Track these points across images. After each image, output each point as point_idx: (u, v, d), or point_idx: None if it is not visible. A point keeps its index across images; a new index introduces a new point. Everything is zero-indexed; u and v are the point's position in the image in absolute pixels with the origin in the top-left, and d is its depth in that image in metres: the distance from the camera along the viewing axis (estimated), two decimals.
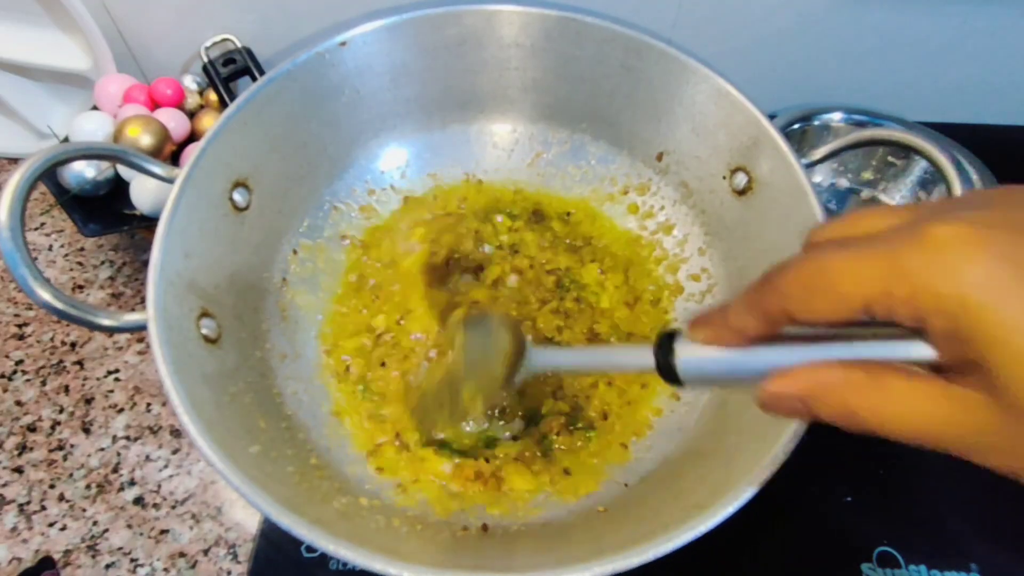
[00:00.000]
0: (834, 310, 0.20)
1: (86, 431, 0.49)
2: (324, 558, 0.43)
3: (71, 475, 0.47)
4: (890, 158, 0.61)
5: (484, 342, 0.37)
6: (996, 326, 0.17)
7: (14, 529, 0.45)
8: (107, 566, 0.43)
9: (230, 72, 0.56)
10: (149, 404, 0.50)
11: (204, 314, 0.39)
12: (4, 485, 0.46)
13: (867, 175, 0.62)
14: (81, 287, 0.56)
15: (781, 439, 0.32)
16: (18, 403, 0.50)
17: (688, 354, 0.25)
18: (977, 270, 0.17)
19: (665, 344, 0.26)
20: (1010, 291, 0.17)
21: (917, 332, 0.19)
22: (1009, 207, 0.19)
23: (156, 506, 0.46)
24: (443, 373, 0.40)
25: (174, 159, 0.53)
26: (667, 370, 0.26)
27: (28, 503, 0.46)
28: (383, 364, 0.46)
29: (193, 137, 0.55)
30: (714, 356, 0.24)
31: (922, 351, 0.20)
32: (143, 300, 0.48)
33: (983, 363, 0.18)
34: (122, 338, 0.53)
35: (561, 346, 0.45)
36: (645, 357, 0.27)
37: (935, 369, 0.20)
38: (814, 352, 0.21)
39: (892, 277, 0.18)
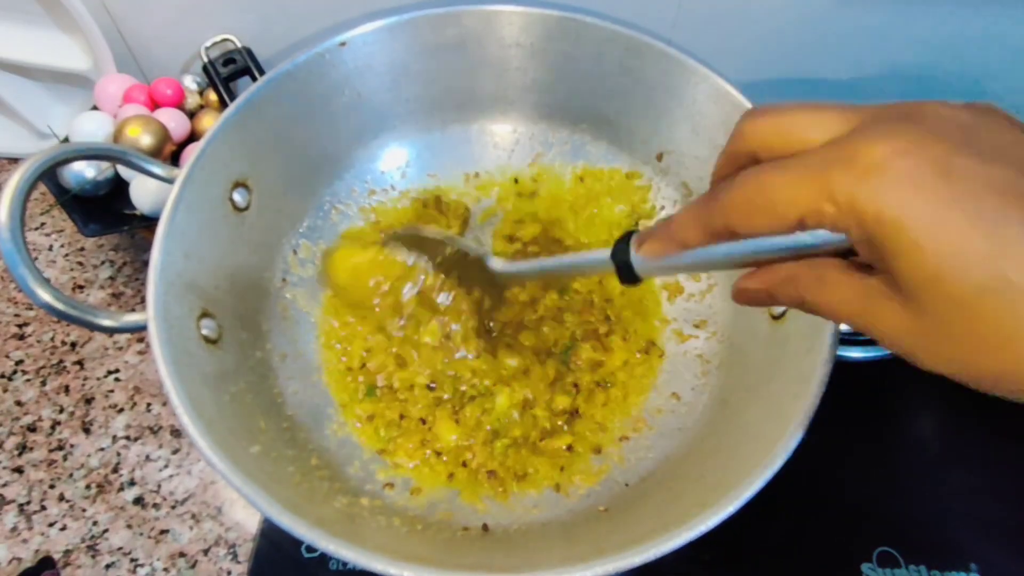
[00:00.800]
0: (772, 225, 0.22)
1: (86, 431, 0.49)
2: (324, 558, 0.43)
3: (71, 475, 0.47)
4: None
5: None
6: (902, 238, 0.19)
7: (14, 529, 0.45)
8: (107, 566, 0.43)
9: (230, 72, 0.56)
10: (149, 404, 0.50)
11: (204, 314, 0.39)
12: (4, 485, 0.46)
13: None
14: (81, 287, 0.56)
15: (781, 439, 0.32)
16: (18, 403, 0.50)
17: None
18: (896, 188, 0.19)
19: (622, 246, 0.29)
20: (921, 207, 0.19)
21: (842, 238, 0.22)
22: (938, 122, 0.21)
23: (156, 506, 0.46)
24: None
25: (174, 159, 0.53)
26: (625, 269, 0.29)
27: (28, 503, 0.46)
28: (384, 363, 0.46)
29: (193, 137, 0.55)
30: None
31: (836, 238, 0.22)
32: (143, 300, 0.48)
33: (892, 272, 0.20)
34: (122, 338, 0.53)
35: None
36: (603, 256, 0.30)
37: (868, 267, 0.22)
38: (753, 245, 0.24)
39: (823, 196, 0.20)
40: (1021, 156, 0.20)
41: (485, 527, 0.39)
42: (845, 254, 0.23)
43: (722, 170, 0.26)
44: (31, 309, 0.55)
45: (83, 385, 0.51)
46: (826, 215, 0.21)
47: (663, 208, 0.52)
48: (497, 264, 0.40)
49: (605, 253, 0.30)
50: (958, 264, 0.19)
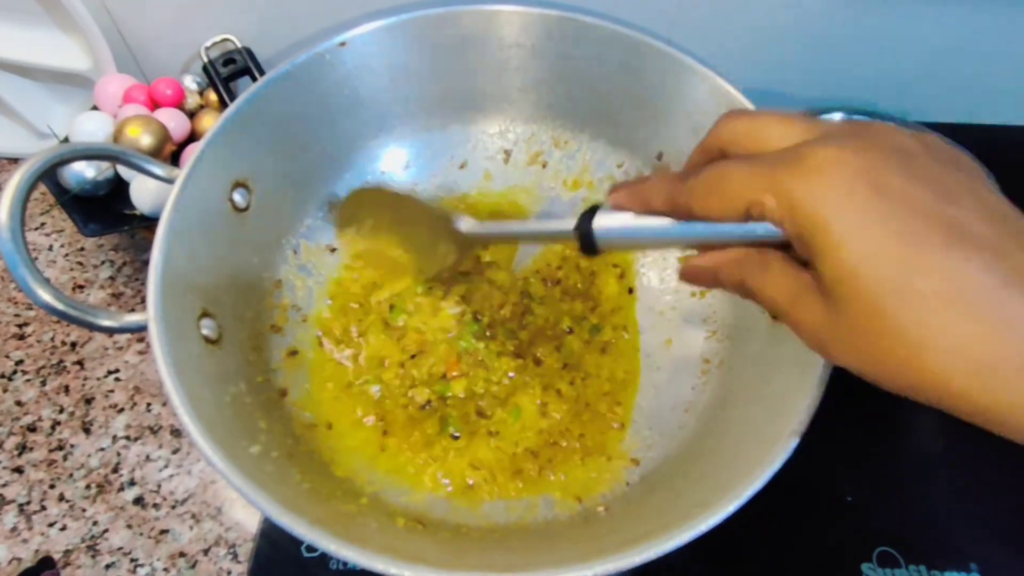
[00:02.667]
0: (723, 209, 0.24)
1: (86, 431, 0.49)
2: (324, 558, 0.43)
3: (71, 475, 0.47)
4: None
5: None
6: (827, 236, 0.21)
7: (14, 529, 0.45)
8: (107, 566, 0.43)
9: (230, 72, 0.56)
10: (149, 404, 0.50)
11: (204, 314, 0.39)
12: (4, 485, 0.46)
13: None
14: (81, 287, 0.56)
15: (781, 438, 0.32)
16: (18, 403, 0.50)
17: (605, 223, 0.30)
18: (830, 191, 0.21)
19: (587, 215, 0.30)
20: (849, 211, 0.21)
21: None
22: (884, 142, 0.23)
23: (156, 506, 0.46)
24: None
25: (174, 159, 0.53)
26: (586, 236, 0.30)
27: (28, 503, 0.46)
28: (384, 362, 0.46)
29: (193, 137, 0.55)
30: (626, 225, 0.29)
31: (771, 230, 0.24)
32: (143, 300, 0.48)
33: (816, 268, 0.22)
34: (122, 338, 0.53)
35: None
36: (567, 226, 0.31)
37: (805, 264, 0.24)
38: (708, 227, 0.26)
39: (768, 189, 0.23)
40: (947, 185, 0.22)
41: (485, 527, 0.39)
42: (789, 250, 0.24)
43: (694, 159, 0.29)
44: (31, 309, 0.55)
45: (83, 385, 0.51)
46: (767, 207, 0.23)
47: None
48: (465, 224, 0.40)
49: (569, 223, 0.31)
50: (871, 266, 0.21)
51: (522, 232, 0.40)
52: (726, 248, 0.26)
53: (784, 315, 0.25)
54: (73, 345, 0.53)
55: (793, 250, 0.24)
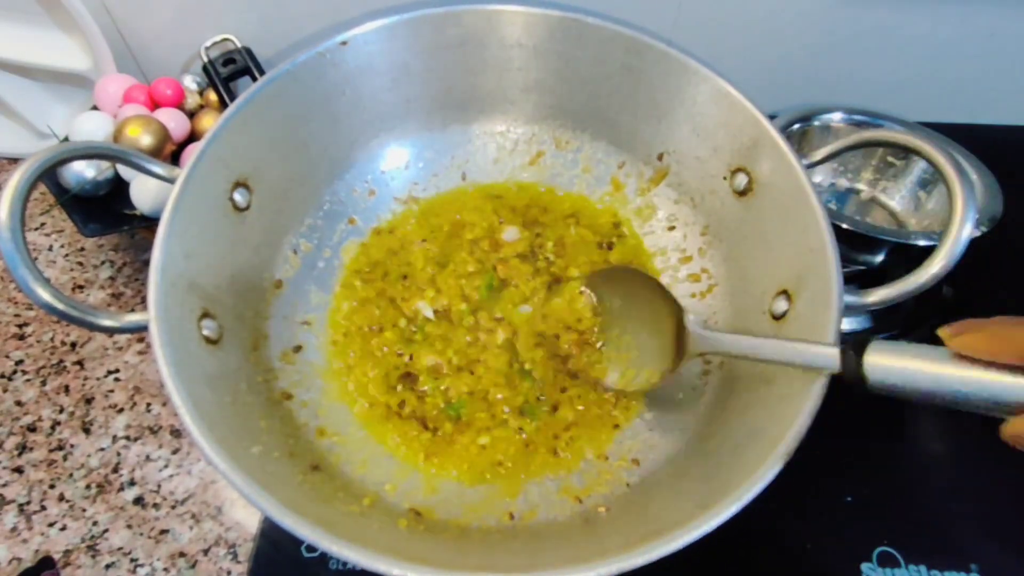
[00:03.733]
0: None
1: (86, 431, 0.49)
2: (324, 558, 0.43)
3: (71, 475, 0.47)
4: (890, 158, 0.61)
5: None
6: None
7: (14, 529, 0.45)
8: (107, 566, 0.43)
9: (230, 72, 0.56)
10: (149, 404, 0.50)
11: (205, 315, 0.39)
12: (4, 485, 0.46)
13: (867, 175, 0.63)
14: (81, 287, 0.56)
15: (782, 439, 0.32)
16: (18, 403, 0.50)
17: (883, 363, 0.25)
18: None
19: (855, 348, 0.26)
20: None
21: None
22: None
23: (156, 506, 0.45)
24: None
25: (174, 159, 0.53)
26: (858, 381, 0.26)
27: (28, 503, 0.46)
28: (385, 361, 0.46)
29: (193, 137, 0.55)
30: (915, 368, 0.24)
31: None
32: (144, 300, 0.48)
33: None
34: (122, 338, 0.53)
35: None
36: (827, 357, 0.28)
37: None
38: None
39: None
40: None
41: (487, 528, 0.39)
42: None
43: None
44: (31, 309, 0.54)
45: (83, 385, 0.51)
46: None
47: (663, 208, 0.52)
48: (694, 324, 0.39)
49: (832, 354, 0.27)
50: None
51: (765, 354, 0.35)
52: None
53: None
54: (73, 345, 0.53)
55: None
